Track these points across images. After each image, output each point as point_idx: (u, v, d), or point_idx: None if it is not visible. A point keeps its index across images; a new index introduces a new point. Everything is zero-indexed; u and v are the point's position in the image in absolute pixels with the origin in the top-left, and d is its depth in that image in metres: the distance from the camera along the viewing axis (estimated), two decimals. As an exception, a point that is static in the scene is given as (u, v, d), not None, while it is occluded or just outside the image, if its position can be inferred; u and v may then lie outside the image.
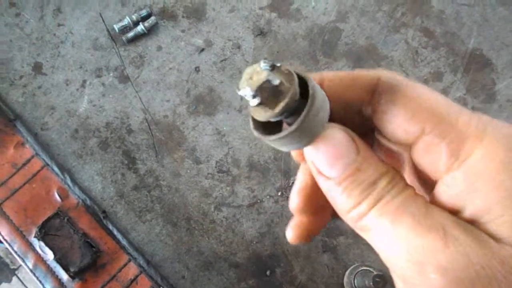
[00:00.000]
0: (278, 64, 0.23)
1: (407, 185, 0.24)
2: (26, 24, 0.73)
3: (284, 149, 0.25)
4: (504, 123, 0.23)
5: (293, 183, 0.67)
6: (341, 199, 0.24)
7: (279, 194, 0.67)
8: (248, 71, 0.23)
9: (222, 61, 0.72)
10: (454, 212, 0.23)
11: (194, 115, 0.70)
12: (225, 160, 0.68)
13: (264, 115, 0.23)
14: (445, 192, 0.24)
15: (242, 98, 0.22)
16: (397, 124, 0.24)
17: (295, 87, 0.23)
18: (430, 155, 0.24)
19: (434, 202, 0.24)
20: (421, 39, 0.74)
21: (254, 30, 0.74)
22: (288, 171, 0.68)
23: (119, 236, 0.64)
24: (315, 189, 0.28)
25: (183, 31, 0.73)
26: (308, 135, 0.24)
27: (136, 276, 0.63)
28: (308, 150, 0.25)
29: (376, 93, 0.25)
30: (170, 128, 0.69)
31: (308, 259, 0.65)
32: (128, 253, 0.64)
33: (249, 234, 0.66)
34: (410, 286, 0.22)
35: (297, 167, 0.67)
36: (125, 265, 0.63)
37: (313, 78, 0.25)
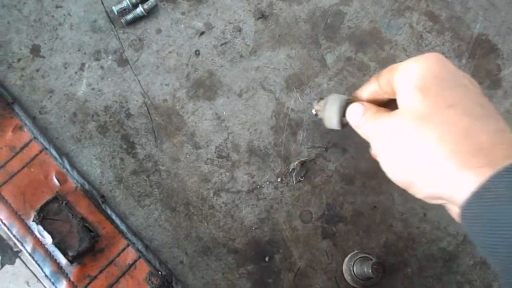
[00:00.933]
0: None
1: (377, 108, 0.51)
2: (24, 6, 0.72)
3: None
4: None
5: (293, 169, 0.66)
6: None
7: (278, 180, 0.67)
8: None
9: (222, 44, 0.71)
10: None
11: (193, 100, 0.69)
12: (224, 145, 0.68)
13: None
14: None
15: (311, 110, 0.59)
16: (383, 88, 0.51)
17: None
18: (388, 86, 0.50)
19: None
20: (426, 23, 0.72)
21: (255, 13, 0.72)
22: (288, 156, 0.67)
23: (117, 221, 0.64)
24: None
25: (183, 13, 0.72)
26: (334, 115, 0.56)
27: (135, 261, 0.63)
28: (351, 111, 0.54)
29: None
30: (170, 113, 0.69)
31: (307, 245, 0.65)
32: (127, 238, 0.64)
33: (248, 220, 0.65)
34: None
35: (297, 153, 0.66)
36: (123, 249, 0.63)
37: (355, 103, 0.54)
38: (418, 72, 0.45)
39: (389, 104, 0.52)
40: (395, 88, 0.48)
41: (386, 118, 0.47)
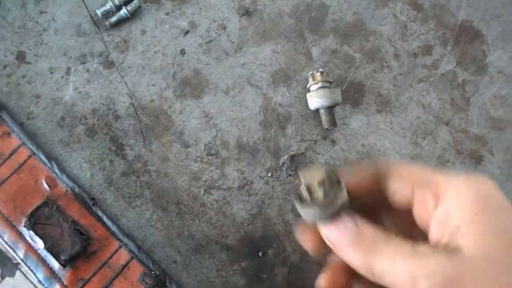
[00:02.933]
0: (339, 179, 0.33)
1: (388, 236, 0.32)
2: (8, 13, 0.72)
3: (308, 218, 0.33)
4: (460, 175, 0.32)
5: (283, 163, 0.66)
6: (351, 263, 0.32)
7: (269, 175, 0.66)
8: (310, 180, 0.32)
9: (207, 42, 0.71)
10: (440, 237, 0.31)
11: (181, 99, 0.69)
12: (213, 142, 0.68)
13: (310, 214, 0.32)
14: (435, 226, 0.31)
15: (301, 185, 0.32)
16: (396, 192, 0.34)
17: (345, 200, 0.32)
18: (422, 203, 0.32)
19: (428, 238, 0.32)
20: (409, 13, 0.72)
21: (239, 10, 0.72)
22: (277, 151, 0.67)
23: (109, 223, 0.64)
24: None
25: (167, 13, 0.72)
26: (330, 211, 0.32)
27: (128, 262, 0.63)
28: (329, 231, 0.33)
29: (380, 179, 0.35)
30: (157, 113, 0.68)
31: (300, 239, 0.64)
32: (119, 239, 0.63)
33: (240, 216, 0.65)
34: None
35: (286, 147, 0.66)
36: (116, 251, 0.63)
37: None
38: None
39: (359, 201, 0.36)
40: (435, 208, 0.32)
41: (439, 259, 0.29)
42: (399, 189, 0.34)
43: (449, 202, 0.31)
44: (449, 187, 0.31)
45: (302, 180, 0.33)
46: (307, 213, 0.32)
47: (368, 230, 0.32)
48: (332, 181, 0.32)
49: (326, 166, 0.36)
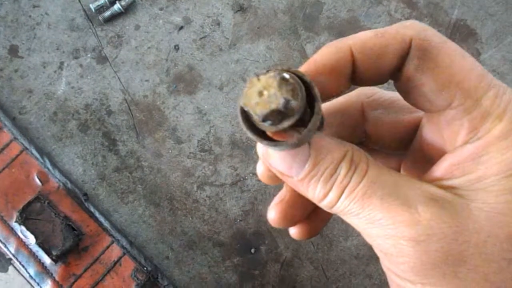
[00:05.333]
0: (287, 76, 0.21)
1: (369, 162, 0.24)
2: (0, 7, 0.71)
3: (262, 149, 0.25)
4: None
5: (276, 160, 0.66)
6: (309, 193, 0.25)
7: (262, 171, 0.66)
8: (256, 83, 0.21)
9: (201, 38, 0.71)
10: (446, 180, 0.24)
11: (174, 94, 0.69)
12: (207, 139, 0.67)
13: (265, 127, 0.22)
14: (448, 163, 0.24)
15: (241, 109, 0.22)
16: (423, 94, 0.24)
17: (304, 106, 0.22)
18: (449, 128, 0.24)
19: (427, 175, 0.25)
20: (404, 11, 0.72)
21: (233, 6, 0.72)
22: (270, 148, 0.67)
23: (101, 219, 0.64)
24: (294, 201, 0.29)
25: (161, 9, 0.72)
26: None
27: (120, 258, 0.62)
28: (267, 158, 0.25)
29: (407, 59, 0.25)
30: (150, 108, 0.68)
31: (293, 235, 0.64)
32: (111, 235, 0.63)
33: (233, 212, 0.65)
34: (389, 257, 0.24)
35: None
36: (108, 247, 0.63)
37: (339, 48, 0.25)
38: None
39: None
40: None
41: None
42: (429, 92, 0.24)
43: (487, 149, 0.23)
44: (497, 127, 0.23)
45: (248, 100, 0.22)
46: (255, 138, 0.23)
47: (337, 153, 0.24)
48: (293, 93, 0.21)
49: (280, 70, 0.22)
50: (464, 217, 0.23)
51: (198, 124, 0.68)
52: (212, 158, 0.67)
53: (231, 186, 0.66)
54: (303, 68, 0.26)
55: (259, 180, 0.66)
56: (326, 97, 0.27)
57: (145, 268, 0.62)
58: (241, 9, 0.72)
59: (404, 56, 0.25)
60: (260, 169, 0.28)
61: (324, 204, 0.25)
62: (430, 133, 0.26)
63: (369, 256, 0.63)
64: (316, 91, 0.23)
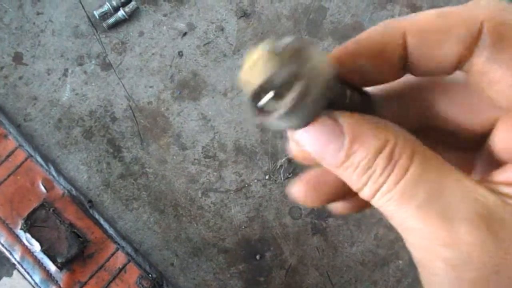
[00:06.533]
0: (277, 46, 0.20)
1: (414, 155, 0.20)
2: (5, 14, 0.71)
3: (282, 126, 0.22)
4: None
5: (280, 166, 0.66)
6: (348, 182, 0.22)
7: (266, 177, 0.66)
8: (250, 57, 0.20)
9: (205, 44, 0.71)
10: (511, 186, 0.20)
11: (178, 101, 0.69)
12: (211, 145, 0.67)
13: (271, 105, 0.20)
14: None
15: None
16: (499, 92, 0.20)
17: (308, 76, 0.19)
18: None
19: (495, 175, 0.21)
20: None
21: (237, 12, 0.72)
22: (275, 154, 0.67)
23: (106, 226, 0.64)
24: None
25: (165, 15, 0.72)
26: (303, 117, 0.21)
27: (125, 265, 0.62)
28: (300, 139, 0.22)
29: (477, 48, 0.20)
30: (155, 115, 0.68)
31: (298, 242, 0.64)
32: (116, 242, 0.63)
33: (238, 219, 0.65)
34: (422, 269, 0.21)
35: (284, 150, 0.66)
36: (113, 254, 0.63)
37: (390, 28, 0.21)
38: None
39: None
40: None
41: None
42: (508, 87, 0.20)
43: None
44: None
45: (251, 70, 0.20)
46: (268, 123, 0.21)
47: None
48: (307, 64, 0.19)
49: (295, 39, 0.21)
50: (502, 253, 0.19)
51: (202, 130, 0.68)
52: (216, 164, 0.67)
53: (235, 192, 0.66)
54: (341, 48, 0.23)
55: (264, 186, 0.66)
56: (370, 85, 0.23)
57: (150, 275, 0.62)
58: (244, 14, 0.72)
59: (472, 44, 0.20)
60: (295, 150, 0.25)
61: (361, 196, 0.22)
62: (506, 137, 0.22)
63: (375, 263, 0.63)
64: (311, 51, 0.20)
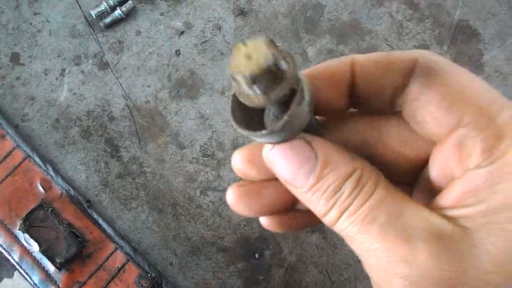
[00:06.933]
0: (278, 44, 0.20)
1: (378, 183, 0.22)
2: (1, 14, 0.71)
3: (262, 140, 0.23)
4: None
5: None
6: (312, 207, 0.23)
7: (265, 176, 0.66)
8: (242, 49, 0.20)
9: (202, 43, 0.71)
10: (457, 208, 0.22)
11: (176, 100, 0.69)
12: (209, 144, 0.67)
13: (255, 102, 0.20)
14: (460, 190, 0.22)
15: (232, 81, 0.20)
16: (430, 112, 0.22)
17: (296, 70, 0.20)
18: (460, 151, 0.22)
19: (437, 201, 0.23)
20: (405, 12, 0.72)
21: (234, 10, 0.72)
22: (273, 152, 0.67)
23: (104, 225, 0.63)
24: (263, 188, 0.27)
25: (162, 14, 0.72)
26: (285, 135, 0.22)
27: (124, 264, 0.62)
28: (272, 157, 0.24)
29: (412, 77, 0.23)
30: (152, 114, 0.68)
31: (297, 240, 0.64)
32: (115, 242, 0.63)
33: (236, 217, 0.65)
34: None
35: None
36: (111, 253, 0.63)
37: (341, 59, 0.24)
38: None
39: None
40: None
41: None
42: (437, 109, 0.22)
43: (503, 174, 0.20)
44: None
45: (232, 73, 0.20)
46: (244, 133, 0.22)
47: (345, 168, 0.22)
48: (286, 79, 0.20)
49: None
50: (466, 260, 0.20)
51: (200, 129, 0.68)
52: (214, 163, 0.67)
53: (234, 191, 0.66)
54: (305, 72, 0.25)
55: (262, 185, 0.66)
56: (324, 107, 0.25)
57: (149, 275, 0.61)
58: (242, 13, 0.72)
59: (408, 75, 0.23)
60: (237, 164, 0.26)
61: (325, 221, 0.24)
62: (440, 162, 0.23)
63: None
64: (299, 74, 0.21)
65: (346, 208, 0.22)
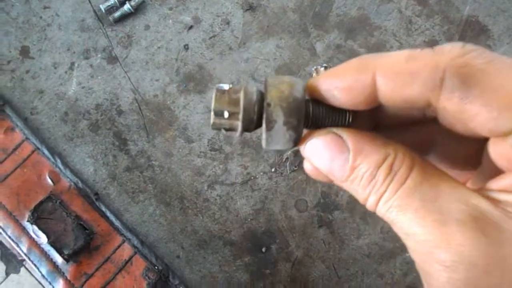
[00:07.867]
0: (226, 88, 0.25)
1: (413, 167, 0.22)
2: (12, 8, 0.72)
3: (277, 147, 0.25)
4: None
5: (286, 158, 0.66)
6: (353, 194, 0.24)
7: (272, 170, 0.66)
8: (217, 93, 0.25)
9: (211, 37, 0.71)
10: (508, 193, 0.21)
11: (184, 94, 0.69)
12: (217, 138, 0.67)
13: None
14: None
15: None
16: (479, 124, 0.21)
17: (240, 108, 0.24)
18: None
19: (489, 184, 0.22)
20: (414, 8, 0.72)
21: (243, 5, 0.72)
22: (281, 146, 0.67)
23: (112, 218, 0.64)
24: None
25: (170, 8, 0.72)
26: (283, 137, 0.24)
27: (131, 257, 0.62)
28: (307, 153, 0.25)
29: (445, 89, 0.21)
30: (161, 108, 0.68)
31: (304, 234, 0.64)
32: (122, 234, 0.63)
33: (243, 211, 0.65)
34: (423, 274, 0.22)
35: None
36: (119, 246, 0.63)
37: (362, 67, 0.23)
38: None
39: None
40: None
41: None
42: (488, 118, 0.21)
43: None
44: None
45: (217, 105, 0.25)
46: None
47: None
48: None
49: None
50: (506, 247, 0.20)
51: (208, 123, 0.68)
52: (222, 157, 0.67)
53: (241, 185, 0.66)
54: (320, 79, 0.25)
55: (269, 179, 0.66)
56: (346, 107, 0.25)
57: (156, 267, 0.62)
58: (250, 8, 0.72)
59: (436, 88, 0.22)
60: (308, 167, 0.27)
61: (367, 207, 0.24)
62: (496, 155, 0.23)
63: (381, 256, 0.63)
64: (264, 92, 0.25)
65: (382, 195, 0.23)
